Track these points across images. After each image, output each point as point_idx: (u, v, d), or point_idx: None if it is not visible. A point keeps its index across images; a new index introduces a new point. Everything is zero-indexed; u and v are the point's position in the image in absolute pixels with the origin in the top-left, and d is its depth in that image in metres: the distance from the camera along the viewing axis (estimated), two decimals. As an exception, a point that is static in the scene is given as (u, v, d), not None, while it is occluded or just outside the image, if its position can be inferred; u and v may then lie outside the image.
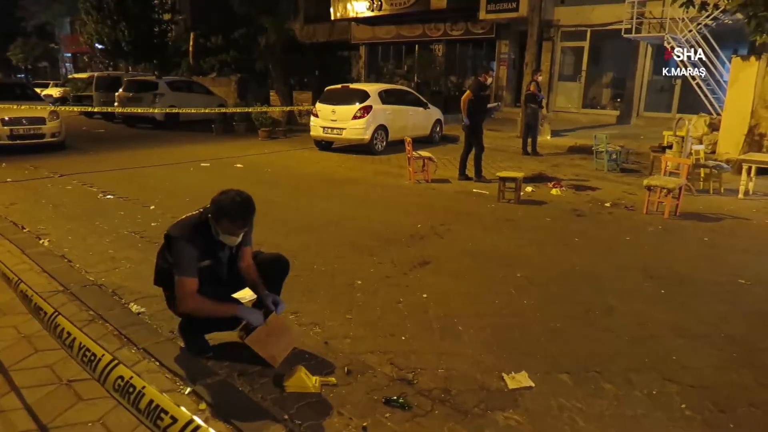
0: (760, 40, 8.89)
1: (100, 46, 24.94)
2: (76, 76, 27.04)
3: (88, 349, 1.87)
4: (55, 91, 25.09)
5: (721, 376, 3.07)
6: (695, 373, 3.08)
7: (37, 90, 15.85)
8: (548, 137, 13.60)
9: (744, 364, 3.20)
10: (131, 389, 1.63)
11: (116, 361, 1.77)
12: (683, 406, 2.77)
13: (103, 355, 1.82)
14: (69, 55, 43.40)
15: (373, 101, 11.75)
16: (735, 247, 5.63)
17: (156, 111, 15.89)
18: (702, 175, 8.47)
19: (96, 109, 16.59)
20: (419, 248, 5.28)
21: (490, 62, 19.74)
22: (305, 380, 2.81)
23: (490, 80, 9.17)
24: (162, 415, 1.48)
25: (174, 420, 1.45)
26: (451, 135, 14.29)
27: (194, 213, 3.00)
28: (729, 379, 3.04)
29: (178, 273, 2.84)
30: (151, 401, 1.55)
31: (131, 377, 1.68)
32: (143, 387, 1.62)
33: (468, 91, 8.89)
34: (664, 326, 3.69)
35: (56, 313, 2.15)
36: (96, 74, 21.75)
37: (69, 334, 2.00)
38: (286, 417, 2.59)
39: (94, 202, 7.05)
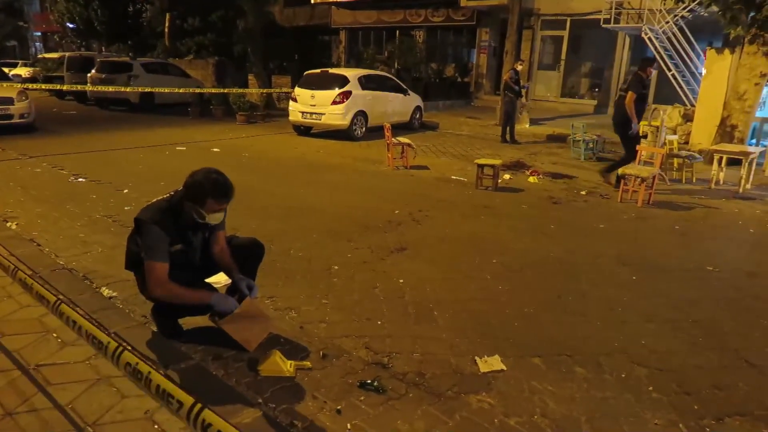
0: (734, 33, 9.04)
1: (71, 26, 24.23)
2: (47, 55, 26.22)
3: (95, 337, 1.92)
4: (24, 71, 24.27)
5: (688, 359, 3.16)
6: (663, 357, 3.16)
7: (5, 70, 15.35)
8: (527, 126, 13.70)
9: (709, 348, 3.29)
10: (139, 375, 1.71)
11: (122, 348, 1.81)
12: (651, 388, 2.84)
13: (108, 342, 1.86)
14: (39, 34, 42.02)
15: (353, 87, 11.66)
16: (704, 235, 5.77)
17: (129, 90, 15.49)
18: (675, 164, 8.64)
19: (66, 88, 16.08)
20: (397, 234, 5.29)
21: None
22: (280, 364, 2.81)
23: (655, 73, 7.60)
24: (170, 399, 1.58)
25: (180, 404, 1.54)
26: (431, 122, 14.30)
27: (164, 197, 2.93)
28: (695, 362, 3.13)
29: (147, 257, 2.77)
30: (159, 386, 1.62)
31: (137, 363, 1.73)
32: (149, 372, 1.68)
33: (630, 92, 7.21)
34: (634, 311, 3.77)
35: (59, 301, 2.16)
36: (67, 54, 21.11)
37: (75, 322, 2.03)
38: (260, 401, 2.58)
39: (65, 185, 6.88)
